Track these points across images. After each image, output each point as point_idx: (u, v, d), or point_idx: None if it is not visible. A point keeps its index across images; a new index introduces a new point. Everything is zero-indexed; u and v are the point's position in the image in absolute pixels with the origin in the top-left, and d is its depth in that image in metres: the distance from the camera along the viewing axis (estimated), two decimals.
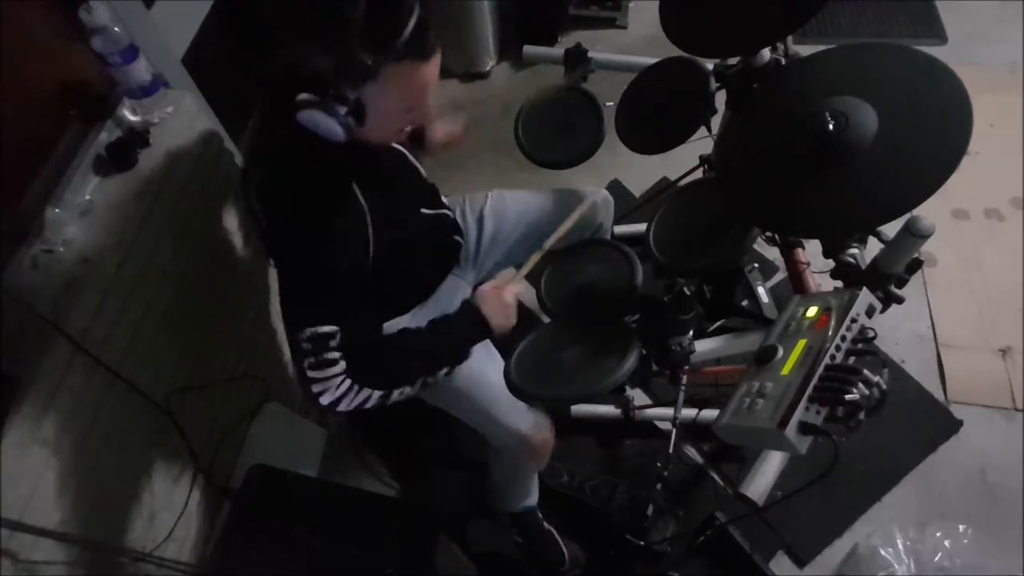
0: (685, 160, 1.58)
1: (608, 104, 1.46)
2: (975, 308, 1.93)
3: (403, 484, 1.77)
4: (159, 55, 1.34)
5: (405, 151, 1.22)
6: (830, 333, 0.81)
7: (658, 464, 1.46)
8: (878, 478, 1.67)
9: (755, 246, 1.85)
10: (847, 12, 2.62)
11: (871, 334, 0.83)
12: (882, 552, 1.52)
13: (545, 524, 1.61)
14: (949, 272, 2.00)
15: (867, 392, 0.76)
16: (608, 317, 1.19)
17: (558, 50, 1.57)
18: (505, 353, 1.17)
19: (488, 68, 2.62)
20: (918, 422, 1.75)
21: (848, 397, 0.75)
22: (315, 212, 0.99)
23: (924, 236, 0.95)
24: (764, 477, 1.61)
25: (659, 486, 1.47)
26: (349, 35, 0.83)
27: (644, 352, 1.07)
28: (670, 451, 1.42)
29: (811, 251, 1.32)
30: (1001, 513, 1.62)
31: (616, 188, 2.26)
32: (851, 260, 1.05)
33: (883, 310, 0.95)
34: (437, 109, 1.04)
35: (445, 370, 1.18)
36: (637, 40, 2.69)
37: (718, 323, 1.75)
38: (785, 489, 1.62)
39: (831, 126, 0.94)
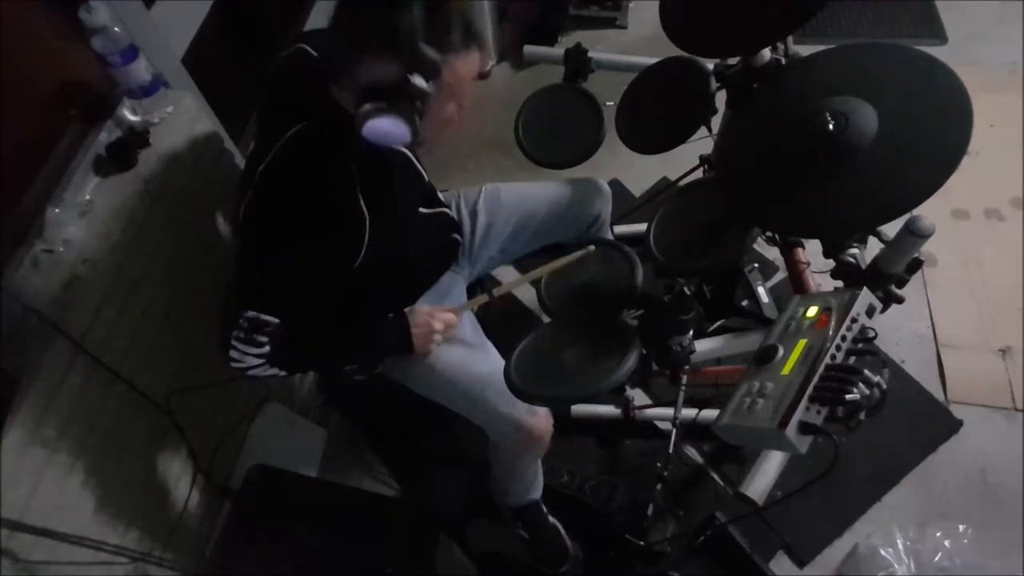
0: (685, 160, 1.58)
1: (608, 104, 1.46)
2: (975, 308, 1.93)
3: (403, 484, 1.76)
4: (159, 55, 1.34)
5: (411, 154, 1.23)
6: (830, 333, 0.81)
7: (658, 464, 1.46)
8: (878, 478, 1.67)
9: (755, 246, 1.85)
10: (847, 12, 2.62)
11: (871, 334, 0.83)
12: (882, 552, 1.52)
13: (550, 518, 1.61)
14: (949, 272, 2.00)
15: (867, 392, 0.76)
16: (608, 317, 1.19)
17: (558, 50, 1.57)
18: (505, 353, 1.17)
19: (488, 68, 2.61)
20: (918, 422, 1.75)
21: (848, 397, 0.75)
22: (313, 211, 0.99)
23: (924, 236, 0.95)
24: (764, 477, 1.61)
25: (659, 486, 1.47)
26: (413, 39, 0.87)
27: (644, 352, 1.06)
28: (670, 451, 1.42)
29: (811, 251, 1.32)
30: (1001, 513, 1.62)
31: (616, 188, 2.25)
32: (851, 260, 1.05)
33: (883, 310, 0.95)
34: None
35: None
36: (637, 40, 2.69)
37: (718, 323, 1.75)
38: (785, 489, 1.62)
39: (831, 126, 0.94)
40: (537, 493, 1.57)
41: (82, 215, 1.15)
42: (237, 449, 1.50)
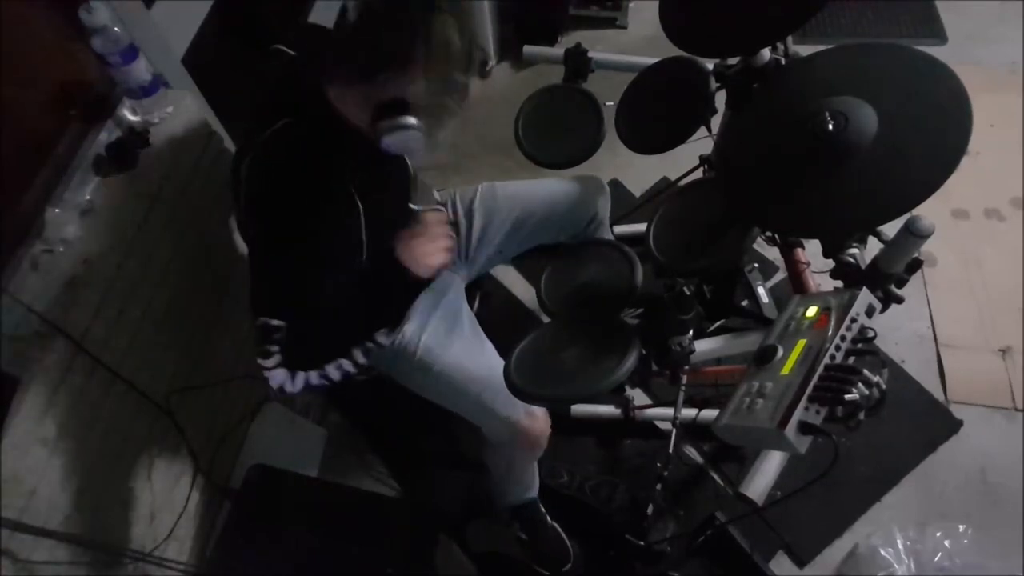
0: (685, 160, 1.58)
1: (608, 104, 1.46)
2: (975, 308, 1.93)
3: (403, 484, 1.76)
4: (159, 55, 1.34)
5: None
6: (830, 333, 0.81)
7: (658, 464, 1.46)
8: (878, 478, 1.67)
9: (755, 246, 1.85)
10: (847, 12, 2.62)
11: (871, 334, 0.83)
12: (882, 552, 1.52)
13: (548, 519, 1.61)
14: (949, 272, 2.00)
15: (867, 392, 0.76)
16: (608, 317, 1.19)
17: (558, 50, 1.56)
18: (505, 353, 1.17)
19: (488, 68, 2.62)
20: (918, 422, 1.75)
21: (848, 397, 0.75)
22: (305, 205, 0.99)
23: (924, 236, 0.95)
24: (764, 477, 1.61)
25: (659, 486, 1.47)
26: (452, 63, 0.95)
27: (644, 352, 1.06)
28: (670, 451, 1.42)
29: (811, 251, 1.32)
30: (1001, 513, 1.62)
31: (616, 188, 2.26)
32: (851, 260, 1.05)
33: (883, 310, 0.95)
34: None
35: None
36: (637, 40, 2.69)
37: (718, 323, 1.75)
38: (785, 489, 1.62)
39: (831, 126, 0.94)
40: (534, 492, 1.57)
41: (82, 215, 1.16)
42: (237, 449, 1.51)
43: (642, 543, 1.51)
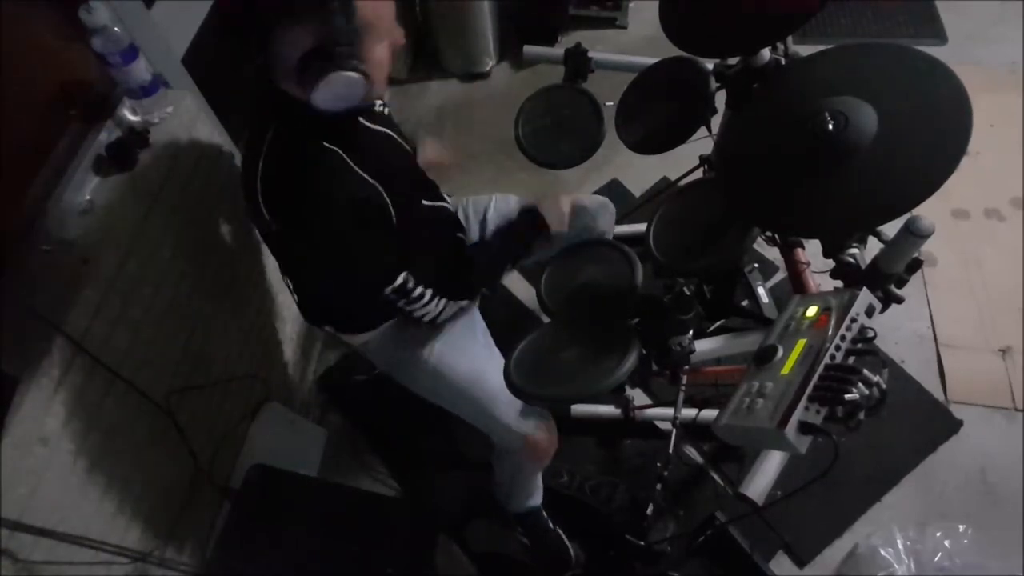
0: (685, 160, 1.58)
1: (608, 104, 1.46)
2: (975, 308, 1.93)
3: (403, 484, 1.76)
4: (159, 55, 1.34)
5: (394, 133, 1.22)
6: (830, 333, 0.81)
7: (658, 464, 1.46)
8: (878, 478, 1.67)
9: (755, 246, 1.85)
10: (847, 12, 2.62)
11: (871, 334, 0.83)
12: (882, 552, 1.52)
13: (551, 524, 1.61)
14: (949, 272, 2.00)
15: (867, 392, 0.76)
16: (608, 317, 1.19)
17: (558, 50, 1.56)
18: (505, 353, 1.17)
19: (488, 68, 2.62)
20: (918, 422, 1.75)
21: (848, 397, 0.75)
22: (334, 199, 1.00)
23: (924, 236, 0.95)
24: (764, 477, 1.61)
25: (659, 486, 1.47)
26: None
27: (644, 352, 1.06)
28: (670, 451, 1.41)
29: (811, 251, 1.32)
30: (1001, 513, 1.62)
31: (616, 188, 2.26)
32: (851, 260, 1.05)
33: (883, 310, 0.95)
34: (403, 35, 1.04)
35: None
36: (637, 40, 2.69)
37: (718, 323, 1.75)
38: (785, 489, 1.62)
39: (831, 126, 0.94)
40: (538, 500, 1.57)
41: (82, 215, 1.15)
42: (237, 449, 1.51)
43: (642, 543, 1.51)
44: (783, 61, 1.25)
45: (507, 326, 1.42)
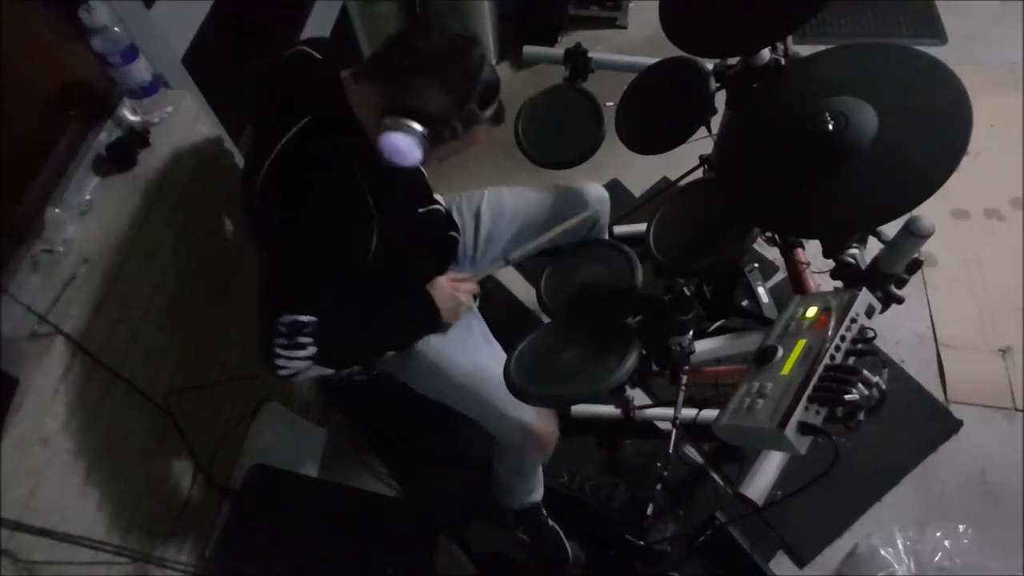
0: (685, 160, 1.58)
1: (608, 104, 1.46)
2: (975, 308, 1.93)
3: (403, 484, 1.76)
4: (159, 55, 1.34)
5: None
6: (830, 333, 0.81)
7: (658, 464, 1.46)
8: (878, 478, 1.67)
9: (755, 246, 1.85)
10: (847, 12, 2.62)
11: (871, 334, 0.83)
12: (882, 552, 1.52)
13: (550, 521, 1.61)
14: (949, 272, 2.00)
15: (867, 392, 0.76)
16: (608, 317, 1.19)
17: (558, 50, 1.56)
18: (505, 353, 1.17)
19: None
20: (918, 422, 1.75)
21: (848, 397, 0.75)
22: (326, 208, 1.01)
23: (924, 236, 0.95)
24: (764, 477, 1.61)
25: (659, 486, 1.47)
26: (474, 91, 0.98)
27: (644, 352, 1.06)
28: (670, 451, 1.41)
29: (811, 251, 1.32)
30: (1001, 513, 1.62)
31: (616, 188, 2.26)
32: (851, 260, 1.05)
33: (883, 310, 0.95)
34: None
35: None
36: (637, 40, 2.69)
37: (718, 323, 1.75)
38: (785, 489, 1.62)
39: (831, 126, 0.94)
40: (538, 496, 1.57)
41: (82, 215, 1.15)
42: (237, 449, 1.50)
43: (642, 543, 1.51)
44: (783, 61, 1.25)
45: (507, 326, 1.42)
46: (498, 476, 1.54)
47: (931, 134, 0.91)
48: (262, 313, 1.07)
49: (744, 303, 1.89)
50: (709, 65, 1.33)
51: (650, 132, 1.38)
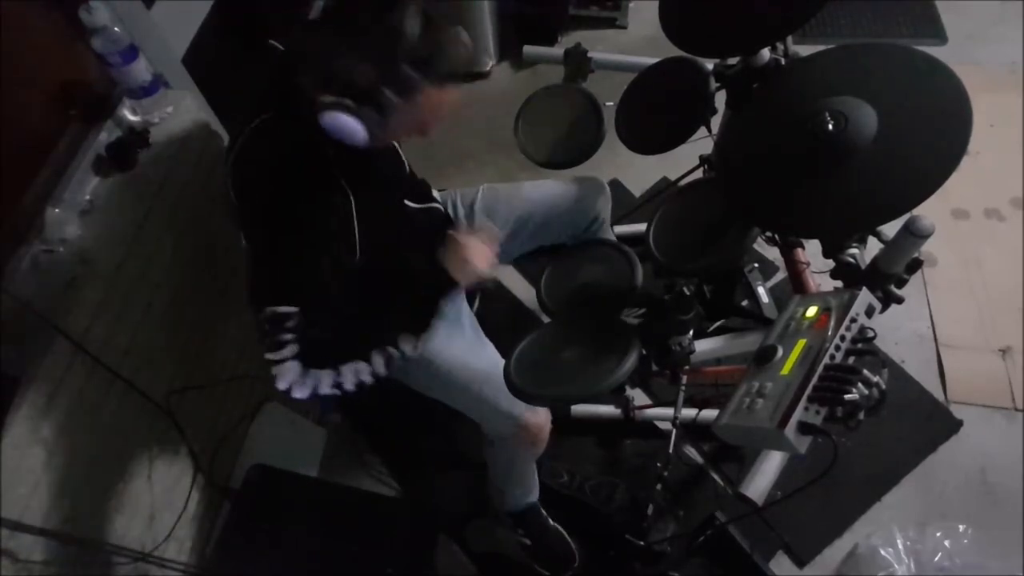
0: (685, 160, 1.58)
1: (608, 104, 1.46)
2: (975, 308, 1.93)
3: (403, 484, 1.76)
4: (159, 55, 1.34)
5: (396, 144, 1.22)
6: (829, 333, 0.81)
7: (658, 464, 1.46)
8: (878, 478, 1.67)
9: (755, 246, 1.85)
10: (847, 12, 2.62)
11: (871, 334, 0.83)
12: (882, 552, 1.52)
13: (551, 521, 1.61)
14: (949, 272, 2.00)
15: (866, 392, 0.76)
16: (608, 317, 1.19)
17: (558, 50, 1.57)
18: (505, 353, 1.17)
19: (488, 68, 2.62)
20: (918, 422, 1.74)
21: (847, 397, 0.75)
22: (293, 197, 0.99)
23: (924, 236, 0.95)
24: (764, 477, 1.61)
25: (659, 486, 1.47)
26: (401, 52, 0.89)
27: (644, 352, 1.06)
28: (670, 451, 1.42)
29: (811, 251, 1.32)
30: (1001, 513, 1.62)
31: (616, 188, 2.26)
32: (851, 260, 1.05)
33: (883, 310, 0.95)
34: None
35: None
36: (637, 40, 2.69)
37: (718, 323, 1.75)
38: (785, 489, 1.62)
39: (831, 126, 0.94)
40: (534, 496, 1.57)
41: (82, 215, 1.16)
42: (237, 449, 1.51)
43: (642, 543, 1.51)
44: (783, 61, 1.25)
45: (507, 326, 1.43)
46: (492, 478, 1.54)
47: (931, 134, 0.91)
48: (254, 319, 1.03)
49: (744, 303, 1.89)
50: (709, 65, 1.33)
51: (650, 132, 1.38)
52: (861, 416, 0.76)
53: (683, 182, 1.59)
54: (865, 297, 0.85)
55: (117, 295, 1.13)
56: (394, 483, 1.76)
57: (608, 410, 1.74)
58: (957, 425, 1.74)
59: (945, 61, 0.94)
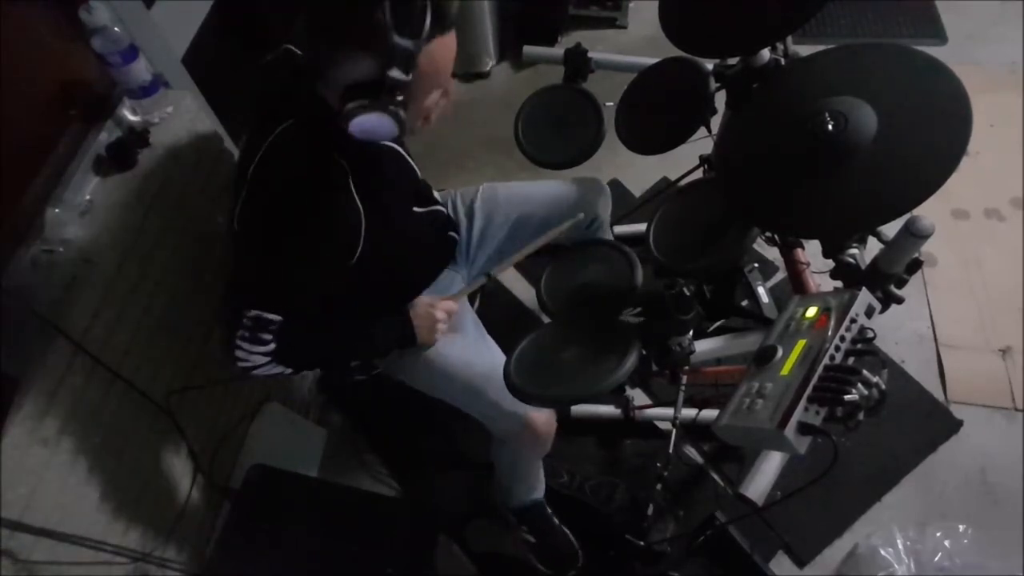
0: (685, 160, 1.58)
1: (608, 104, 1.46)
2: (975, 308, 1.93)
3: (403, 484, 1.77)
4: (159, 55, 1.34)
5: (402, 150, 1.23)
6: (829, 333, 0.81)
7: (658, 464, 1.46)
8: (878, 478, 1.67)
9: (755, 246, 1.85)
10: (847, 12, 2.62)
11: (870, 334, 0.83)
12: (882, 552, 1.52)
13: (555, 519, 1.61)
14: (949, 272, 2.00)
15: (866, 392, 0.76)
16: (608, 317, 1.19)
17: (558, 50, 1.56)
18: (505, 353, 1.17)
19: (488, 68, 2.62)
20: (918, 422, 1.75)
21: (847, 397, 0.75)
22: (308, 210, 0.99)
23: (924, 236, 0.95)
24: (764, 477, 1.61)
25: (659, 486, 1.47)
26: (386, 32, 0.85)
27: (644, 352, 1.06)
28: (670, 451, 1.42)
29: (811, 251, 1.32)
30: (1001, 513, 1.62)
31: (616, 188, 2.26)
32: (851, 260, 1.05)
33: (883, 310, 0.95)
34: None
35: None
36: (637, 40, 2.69)
37: (718, 323, 1.75)
38: (785, 489, 1.62)
39: (831, 126, 0.94)
40: (540, 492, 1.57)
41: (82, 215, 1.15)
42: (237, 449, 1.50)
43: (642, 543, 1.51)
44: (783, 61, 1.25)
45: (507, 326, 1.43)
46: (498, 475, 1.54)
47: (931, 134, 0.91)
48: (228, 300, 1.06)
49: (744, 303, 1.89)
50: (709, 65, 1.33)
51: (650, 132, 1.38)
52: (861, 416, 0.76)
53: (683, 182, 1.59)
54: (865, 297, 0.85)
55: (117, 295, 1.13)
56: (394, 483, 1.77)
57: (608, 410, 1.74)
58: (957, 425, 1.74)
59: (945, 61, 0.94)
